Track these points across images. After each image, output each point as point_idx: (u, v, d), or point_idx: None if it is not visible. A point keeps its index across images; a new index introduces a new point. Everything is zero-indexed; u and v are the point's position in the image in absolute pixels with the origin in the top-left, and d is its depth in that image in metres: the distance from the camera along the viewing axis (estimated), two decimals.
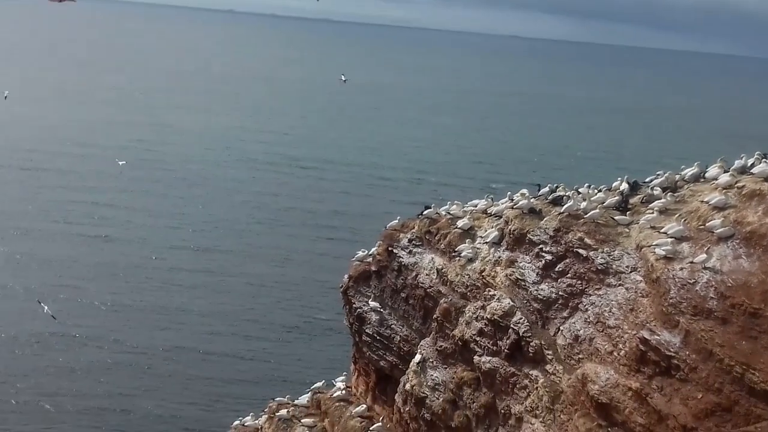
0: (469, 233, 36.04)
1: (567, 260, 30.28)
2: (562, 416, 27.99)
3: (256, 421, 43.49)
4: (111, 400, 66.37)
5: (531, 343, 30.01)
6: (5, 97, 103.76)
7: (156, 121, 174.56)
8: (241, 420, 44.77)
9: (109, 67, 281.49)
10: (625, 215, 30.79)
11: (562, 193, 33.81)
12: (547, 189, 34.68)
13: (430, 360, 34.26)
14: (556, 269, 30.49)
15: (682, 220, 28.38)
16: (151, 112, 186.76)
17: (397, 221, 40.93)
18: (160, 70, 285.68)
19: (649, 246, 27.88)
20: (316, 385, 43.68)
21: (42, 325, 74.66)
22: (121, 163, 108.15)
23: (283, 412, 41.78)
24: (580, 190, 33.69)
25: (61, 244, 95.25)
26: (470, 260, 34.41)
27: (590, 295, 29.04)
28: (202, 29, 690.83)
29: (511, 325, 30.85)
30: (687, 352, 24.68)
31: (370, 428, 37.76)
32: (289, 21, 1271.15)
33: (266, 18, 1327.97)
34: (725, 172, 30.05)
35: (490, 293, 32.41)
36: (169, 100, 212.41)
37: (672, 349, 25.01)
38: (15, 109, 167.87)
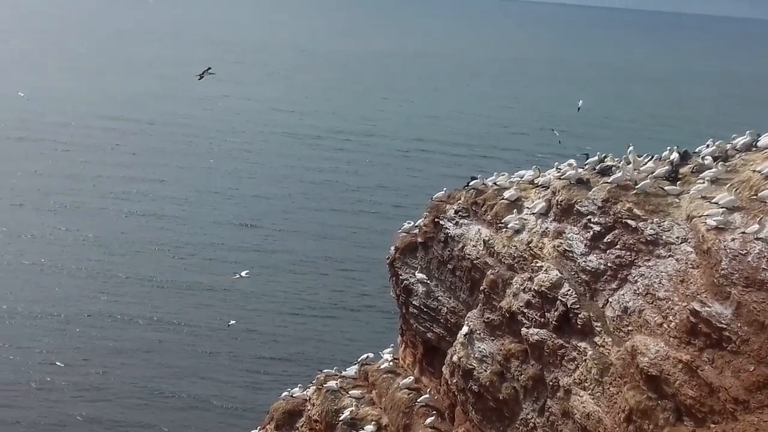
0: (515, 204, 35.70)
1: (616, 231, 29.90)
2: (611, 389, 27.77)
3: (305, 392, 43.69)
4: (158, 378, 67.11)
5: (579, 315, 29.74)
6: (23, 96, 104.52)
7: (195, 94, 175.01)
8: (289, 391, 45.00)
9: (147, 38, 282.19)
10: (676, 185, 30.29)
11: (610, 163, 33.38)
12: (595, 159, 34.24)
13: (478, 332, 34.12)
14: (605, 240, 30.13)
15: (734, 189, 27.84)
16: (189, 85, 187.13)
17: (443, 192, 40.72)
18: (196, 41, 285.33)
19: (700, 216, 27.43)
20: (363, 357, 43.71)
21: (90, 303, 75.81)
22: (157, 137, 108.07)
23: (331, 383, 41.92)
24: (629, 158, 33.20)
25: (109, 220, 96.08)
26: (517, 231, 34.11)
27: (639, 266, 28.66)
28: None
29: (559, 297, 30.59)
30: (739, 324, 24.29)
31: (418, 400, 37.80)
32: None
33: None
34: None
35: (537, 265, 32.16)
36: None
37: (723, 321, 24.64)
38: (53, 82, 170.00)
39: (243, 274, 59.77)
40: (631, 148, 33.96)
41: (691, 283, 26.51)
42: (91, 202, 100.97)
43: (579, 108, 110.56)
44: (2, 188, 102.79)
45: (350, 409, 40.20)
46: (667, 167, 31.43)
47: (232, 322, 68.35)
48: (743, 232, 25.54)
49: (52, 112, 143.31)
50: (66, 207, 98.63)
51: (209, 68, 48.69)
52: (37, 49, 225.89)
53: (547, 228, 32.88)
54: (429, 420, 36.60)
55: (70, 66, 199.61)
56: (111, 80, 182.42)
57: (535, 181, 36.40)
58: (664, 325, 26.70)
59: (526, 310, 31.84)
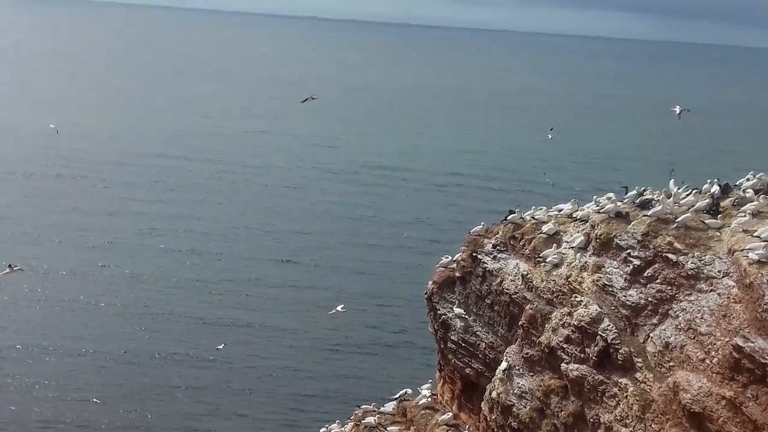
0: (554, 238, 35.54)
1: (656, 265, 29.64)
2: (653, 426, 27.41)
3: (342, 429, 43.51)
4: (196, 415, 66.79)
5: (620, 351, 29.45)
6: (57, 131, 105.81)
7: (232, 130, 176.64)
8: (327, 427, 44.82)
9: (185, 75, 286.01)
10: (716, 219, 30.03)
11: (649, 197, 33.17)
12: (634, 192, 34.04)
13: (517, 367, 33.88)
14: (645, 274, 29.88)
15: None
16: (227, 122, 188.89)
17: (481, 226, 40.62)
18: (232, 78, 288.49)
19: (742, 250, 27.13)
20: (401, 393, 43.49)
21: (127, 340, 76.05)
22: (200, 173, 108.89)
23: (369, 419, 41.71)
24: (669, 192, 32.98)
25: (146, 256, 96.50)
26: (556, 266, 33.93)
27: (681, 301, 28.38)
28: (283, 35, 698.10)
29: (599, 332, 30.33)
30: None
31: None
32: (368, 26, 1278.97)
33: (346, 24, 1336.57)
34: None
35: (576, 299, 31.93)
36: (242, 108, 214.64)
37: (767, 357, 24.29)
38: (92, 119, 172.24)
39: (339, 308, 59.37)
40: (672, 180, 33.79)
41: (733, 317, 26.19)
42: (129, 239, 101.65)
43: (550, 137, 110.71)
44: (42, 225, 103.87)
45: None
46: (707, 200, 31.19)
47: (269, 357, 67.98)
48: None
49: (90, 150, 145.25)
50: (104, 243, 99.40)
51: (313, 95, 49.85)
52: (76, 86, 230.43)
53: (586, 262, 32.67)
54: None
55: (108, 103, 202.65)
56: (149, 117, 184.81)
57: (574, 215, 36.24)
58: (707, 361, 26.38)
59: (565, 346, 31.59)
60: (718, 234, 29.15)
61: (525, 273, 35.64)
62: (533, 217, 37.89)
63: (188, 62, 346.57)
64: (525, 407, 32.85)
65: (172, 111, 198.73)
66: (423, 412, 40.89)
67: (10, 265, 46.07)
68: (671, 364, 27.57)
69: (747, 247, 26.96)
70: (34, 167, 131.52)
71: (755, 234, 27.40)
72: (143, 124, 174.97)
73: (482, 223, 41.51)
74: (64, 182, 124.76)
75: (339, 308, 59.18)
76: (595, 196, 35.88)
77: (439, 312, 40.96)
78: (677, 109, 55.38)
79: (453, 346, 39.72)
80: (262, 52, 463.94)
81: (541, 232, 36.22)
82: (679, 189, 33.36)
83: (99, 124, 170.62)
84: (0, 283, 52.62)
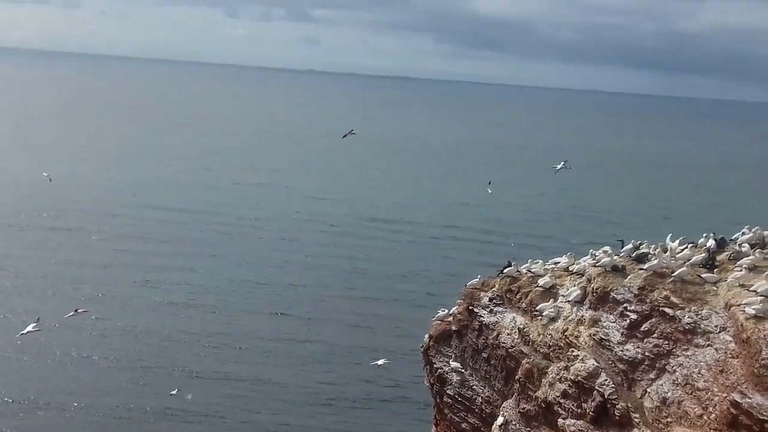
0: (550, 292, 35.52)
1: (653, 319, 29.60)
2: None
3: None
4: None
5: (617, 406, 29.26)
6: (49, 179, 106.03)
7: (229, 182, 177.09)
8: None
9: (181, 127, 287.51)
10: (713, 273, 30.04)
11: (646, 251, 33.20)
12: (630, 246, 34.11)
13: (513, 422, 33.64)
14: (642, 329, 29.82)
15: None
16: (224, 174, 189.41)
17: (477, 279, 40.57)
18: (235, 130, 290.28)
19: (739, 305, 27.09)
20: None
21: (120, 394, 75.29)
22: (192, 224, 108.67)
23: None
24: (665, 246, 33.03)
25: (140, 309, 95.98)
26: (552, 319, 33.88)
27: (678, 355, 28.30)
28: (281, 88, 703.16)
29: (596, 387, 30.15)
30: None
31: None
32: (367, 79, 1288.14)
33: (344, 77, 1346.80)
34: None
35: (573, 353, 31.79)
36: (241, 160, 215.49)
37: (765, 413, 24.13)
38: (88, 171, 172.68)
39: (380, 362, 58.76)
40: (670, 235, 33.87)
41: (731, 373, 26.06)
42: (123, 291, 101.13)
43: (490, 191, 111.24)
44: (35, 277, 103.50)
45: None
46: (703, 254, 31.24)
47: (262, 412, 67.21)
48: None
49: (86, 201, 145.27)
50: (97, 296, 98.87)
51: (352, 130, 51.03)
52: (74, 139, 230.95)
53: (582, 316, 32.61)
54: None
55: (105, 155, 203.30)
56: (146, 169, 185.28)
57: (570, 269, 36.26)
58: (704, 417, 26.20)
59: (562, 401, 31.39)
60: (715, 288, 29.14)
61: (522, 327, 35.54)
62: (529, 270, 37.91)
63: (187, 115, 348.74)
64: None
65: (169, 163, 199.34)
66: None
67: (76, 310, 46.83)
68: (669, 419, 27.39)
69: (744, 302, 26.92)
70: (28, 219, 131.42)
71: (752, 288, 27.38)
72: (140, 176, 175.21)
73: (478, 276, 41.46)
74: (59, 234, 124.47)
75: (380, 362, 58.78)
76: (591, 250, 35.91)
77: (435, 366, 40.76)
78: (559, 165, 56.59)
79: (449, 400, 39.45)
80: (261, 104, 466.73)
81: (537, 286, 36.22)
82: (674, 243, 33.42)
83: (95, 175, 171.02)
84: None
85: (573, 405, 30.77)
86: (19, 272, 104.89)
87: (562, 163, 57.57)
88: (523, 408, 33.28)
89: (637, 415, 28.58)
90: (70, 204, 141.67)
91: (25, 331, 46.67)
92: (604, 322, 31.19)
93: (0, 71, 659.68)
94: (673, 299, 29.20)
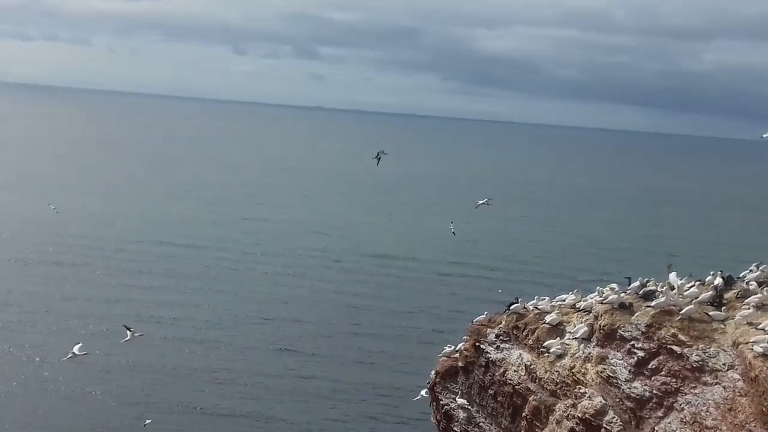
0: (557, 328, 35.44)
1: (660, 357, 29.49)
2: None
3: None
4: None
5: None
6: (56, 212, 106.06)
7: (233, 218, 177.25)
8: None
9: (186, 163, 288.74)
10: (720, 311, 29.96)
11: (653, 288, 33.14)
12: (637, 283, 34.08)
13: None
14: (649, 366, 29.71)
15: None
16: (228, 209, 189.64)
17: (484, 316, 40.52)
18: (240, 166, 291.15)
19: (747, 343, 27.01)
20: None
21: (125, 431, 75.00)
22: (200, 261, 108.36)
23: None
24: (672, 283, 32.98)
25: (144, 345, 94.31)
26: (559, 356, 33.76)
27: (686, 393, 28.17)
28: (288, 124, 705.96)
29: (604, 425, 30.01)
30: None
31: None
32: (374, 116, 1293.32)
33: (351, 113, 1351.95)
34: None
35: (580, 391, 31.66)
36: (247, 196, 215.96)
37: None
38: (93, 206, 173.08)
39: (423, 393, 58.43)
40: (673, 273, 33.79)
41: (739, 411, 25.94)
42: (120, 328, 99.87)
43: (453, 233, 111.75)
44: (38, 312, 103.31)
45: None
46: (711, 292, 31.19)
47: None
48: None
49: (89, 236, 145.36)
50: (101, 330, 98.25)
51: (384, 150, 51.50)
52: (77, 173, 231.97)
53: (589, 353, 32.51)
54: None
55: (109, 190, 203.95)
56: (150, 204, 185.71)
57: (577, 306, 36.19)
58: None
59: None
60: (723, 326, 29.06)
61: (528, 363, 35.42)
62: (536, 307, 37.85)
63: (194, 150, 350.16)
64: None
65: (173, 197, 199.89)
66: None
67: (131, 330, 47.29)
68: None
69: (752, 340, 26.84)
70: (33, 253, 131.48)
71: (760, 327, 27.31)
72: (145, 211, 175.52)
73: (485, 312, 41.39)
74: (64, 269, 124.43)
75: (423, 393, 58.42)
76: (598, 287, 35.84)
77: (441, 402, 40.60)
78: (480, 201, 57.83)
79: None
80: (267, 140, 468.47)
81: (544, 322, 36.14)
82: (681, 280, 33.37)
83: (101, 210, 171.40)
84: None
85: None
86: (23, 307, 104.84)
87: (486, 199, 58.74)
88: None
89: None
90: (75, 239, 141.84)
91: (70, 354, 47.40)
92: (612, 359, 31.09)
93: (9, 106, 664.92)
94: (681, 337, 29.11)
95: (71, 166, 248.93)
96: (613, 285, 35.02)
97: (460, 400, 39.25)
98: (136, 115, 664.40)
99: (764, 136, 47.59)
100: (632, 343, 30.61)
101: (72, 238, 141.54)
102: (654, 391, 29.15)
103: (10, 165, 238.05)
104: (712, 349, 28.26)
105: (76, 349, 47.67)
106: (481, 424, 38.11)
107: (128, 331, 47.51)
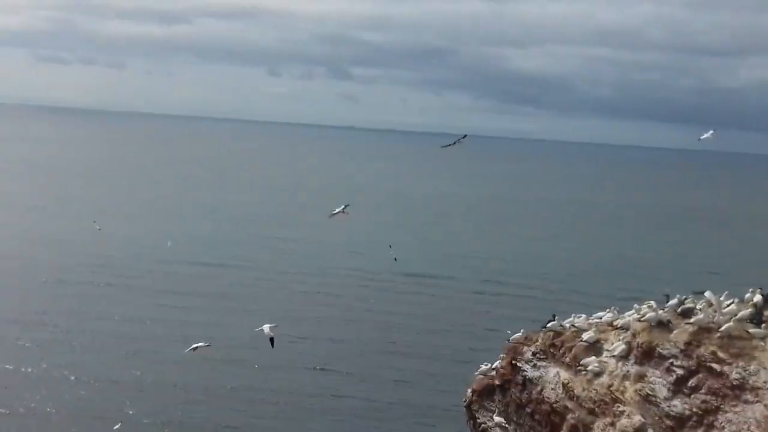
0: (594, 346, 35.19)
1: (700, 375, 29.19)
2: None
3: None
4: None
5: None
6: (98, 228, 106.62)
7: (262, 238, 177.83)
8: None
9: (226, 183, 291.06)
10: (760, 328, 29.60)
11: (691, 305, 32.84)
12: (675, 300, 33.77)
13: None
14: (689, 384, 29.40)
15: None
16: (257, 229, 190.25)
17: (520, 334, 40.32)
18: (273, 186, 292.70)
19: None
20: None
21: None
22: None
23: None
24: (710, 300, 32.65)
25: (178, 364, 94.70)
26: (597, 374, 33.49)
27: (726, 412, 27.84)
28: (322, 145, 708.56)
29: None
30: None
31: None
32: (406, 135, 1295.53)
33: (384, 133, 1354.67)
34: None
35: (619, 409, 31.39)
36: (281, 215, 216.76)
37: None
38: (124, 226, 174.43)
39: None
40: (708, 292, 33.47)
41: None
42: (160, 347, 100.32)
43: (395, 259, 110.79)
44: (72, 331, 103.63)
45: None
46: (750, 309, 30.84)
47: None
48: None
49: (122, 257, 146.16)
50: (134, 350, 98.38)
51: (465, 135, 51.61)
52: (113, 194, 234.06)
53: (628, 371, 32.24)
54: None
55: (140, 211, 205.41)
56: (182, 224, 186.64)
57: (615, 323, 35.92)
58: None
59: None
60: (762, 344, 28.75)
61: (566, 381, 35.17)
62: (573, 325, 37.60)
63: (228, 171, 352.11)
64: None
65: (205, 218, 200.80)
66: None
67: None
68: None
69: None
70: (68, 274, 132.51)
71: None
72: (180, 231, 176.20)
73: (521, 330, 41.20)
74: (98, 289, 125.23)
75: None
76: (635, 304, 35.57)
77: (478, 421, 40.40)
78: (337, 210, 55.52)
79: None
80: (301, 161, 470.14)
81: (581, 340, 35.91)
82: (721, 297, 33.04)
83: (131, 231, 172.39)
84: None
85: None
86: (57, 326, 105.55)
87: (342, 207, 55.95)
88: None
89: None
90: (109, 259, 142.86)
91: (195, 347, 48.54)
92: (650, 377, 30.81)
93: (48, 129, 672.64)
94: (721, 354, 28.80)
95: (106, 188, 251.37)
96: (651, 302, 34.75)
97: (497, 419, 39.05)
98: (172, 137, 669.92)
99: (701, 138, 47.14)
100: (671, 360, 30.33)
101: (106, 259, 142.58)
102: (694, 410, 28.85)
103: (49, 187, 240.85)
104: (752, 366, 27.93)
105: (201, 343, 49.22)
106: None
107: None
